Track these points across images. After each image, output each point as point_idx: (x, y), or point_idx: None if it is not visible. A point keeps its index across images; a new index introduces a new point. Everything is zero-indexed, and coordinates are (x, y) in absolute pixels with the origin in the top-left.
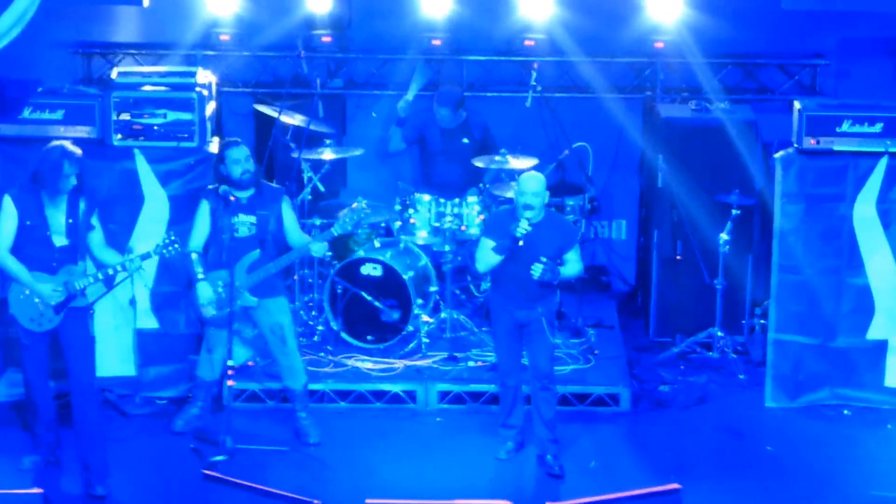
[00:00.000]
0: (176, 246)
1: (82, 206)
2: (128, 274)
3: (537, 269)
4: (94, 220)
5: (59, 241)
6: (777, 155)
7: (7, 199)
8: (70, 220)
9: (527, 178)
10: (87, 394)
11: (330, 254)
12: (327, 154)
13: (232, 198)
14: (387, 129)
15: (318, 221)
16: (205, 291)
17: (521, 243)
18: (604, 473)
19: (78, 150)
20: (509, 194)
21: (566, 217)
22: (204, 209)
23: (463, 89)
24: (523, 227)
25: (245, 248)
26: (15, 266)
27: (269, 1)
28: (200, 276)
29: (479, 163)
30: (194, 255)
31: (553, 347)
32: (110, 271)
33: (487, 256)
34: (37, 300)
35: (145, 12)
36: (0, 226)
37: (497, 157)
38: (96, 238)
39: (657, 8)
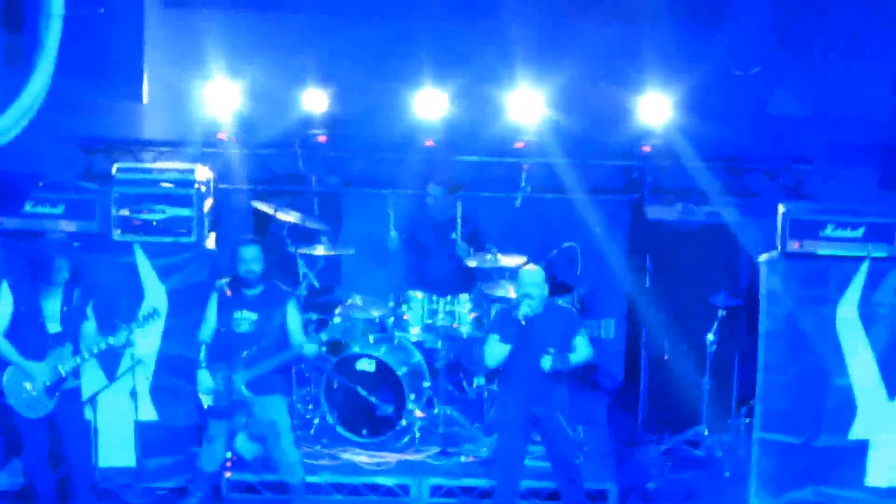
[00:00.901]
0: (156, 317)
1: (76, 295)
2: (121, 347)
3: (547, 361)
4: (89, 311)
5: (53, 328)
6: (762, 257)
7: (4, 285)
8: (64, 309)
9: (526, 271)
10: (83, 476)
11: (325, 349)
12: (320, 250)
13: (228, 292)
14: (382, 228)
15: (314, 316)
16: (205, 379)
17: (523, 322)
18: None
19: (72, 244)
20: (500, 293)
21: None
22: (213, 301)
23: (456, 178)
24: (525, 309)
25: (245, 344)
26: (6, 348)
27: (267, 100)
28: (202, 364)
29: (470, 262)
30: (203, 347)
31: (574, 440)
32: (95, 349)
33: (496, 349)
34: (28, 385)
35: (145, 109)
36: None
37: (488, 256)
38: (90, 327)
39: (646, 111)
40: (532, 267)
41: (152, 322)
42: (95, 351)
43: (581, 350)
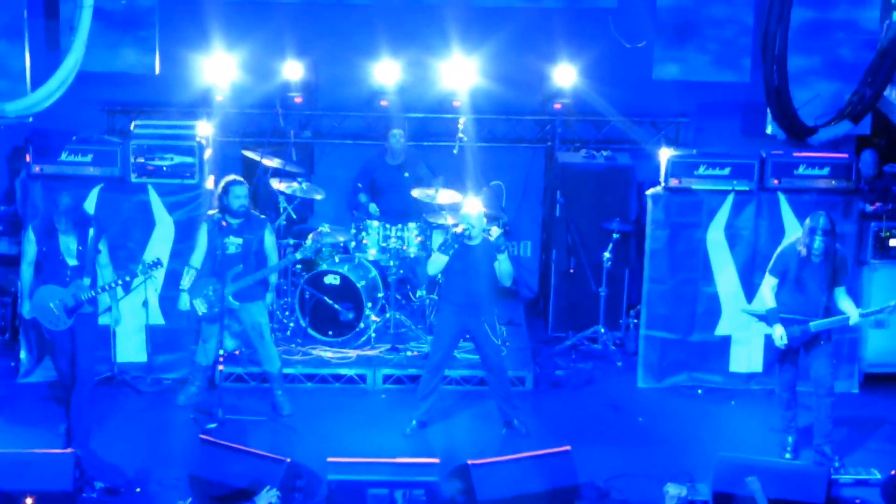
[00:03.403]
0: (159, 266)
1: (91, 235)
2: (134, 281)
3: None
4: (102, 246)
5: (71, 262)
6: (648, 192)
7: (30, 230)
8: (80, 248)
9: (467, 202)
10: (84, 377)
11: (300, 266)
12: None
13: (224, 223)
14: (348, 173)
15: (291, 241)
16: (183, 301)
17: (467, 241)
18: (511, 439)
19: (73, 204)
20: (440, 221)
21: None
22: (203, 231)
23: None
24: (468, 232)
25: (232, 263)
26: (27, 278)
27: (253, 69)
28: (184, 288)
29: (415, 194)
30: (191, 271)
31: (497, 346)
32: (106, 286)
33: (436, 259)
34: (51, 305)
35: (157, 78)
36: (24, 249)
37: (431, 192)
38: (102, 259)
39: (558, 77)
40: (473, 200)
41: (157, 270)
42: (107, 289)
43: (503, 264)
